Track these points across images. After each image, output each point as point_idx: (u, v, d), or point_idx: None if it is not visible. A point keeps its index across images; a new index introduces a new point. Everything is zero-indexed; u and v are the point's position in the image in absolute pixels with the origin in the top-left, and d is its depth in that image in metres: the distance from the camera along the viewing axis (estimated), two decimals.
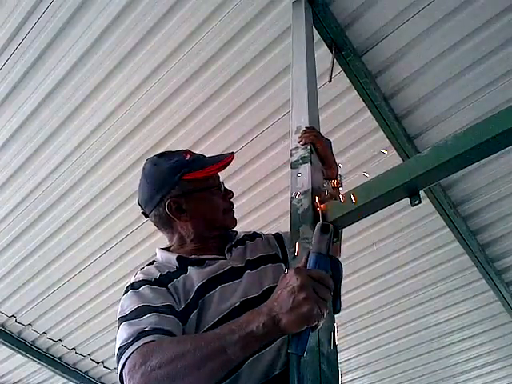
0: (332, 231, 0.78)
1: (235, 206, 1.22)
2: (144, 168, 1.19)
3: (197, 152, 1.22)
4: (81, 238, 3.00)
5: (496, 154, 0.89)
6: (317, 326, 0.73)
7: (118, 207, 2.82)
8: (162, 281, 0.98)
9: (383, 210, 0.98)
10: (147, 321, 0.86)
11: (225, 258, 1.09)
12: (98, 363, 3.87)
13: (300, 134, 1.23)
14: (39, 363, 3.75)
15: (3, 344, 3.56)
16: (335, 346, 0.81)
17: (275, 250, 1.19)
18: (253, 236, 1.23)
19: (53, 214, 2.89)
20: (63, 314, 3.46)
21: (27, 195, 2.80)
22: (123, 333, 0.87)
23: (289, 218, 1.05)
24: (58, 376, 3.91)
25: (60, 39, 2.19)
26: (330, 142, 1.26)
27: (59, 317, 3.49)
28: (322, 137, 1.25)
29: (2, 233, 3.00)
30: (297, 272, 0.75)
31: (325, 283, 0.74)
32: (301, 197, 1.05)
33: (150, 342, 0.82)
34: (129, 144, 2.56)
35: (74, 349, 3.76)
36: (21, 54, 2.23)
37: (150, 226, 2.60)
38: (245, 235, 1.22)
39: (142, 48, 2.23)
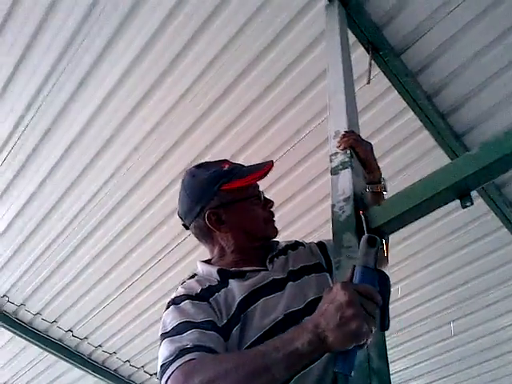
0: (379, 244, 0.74)
1: (276, 215, 1.20)
2: (183, 180, 1.18)
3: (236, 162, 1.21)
4: (131, 251, 3.05)
5: None
6: (365, 344, 0.69)
7: (165, 219, 2.86)
8: (203, 295, 0.96)
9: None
10: (189, 337, 0.85)
11: (266, 270, 1.06)
12: (151, 375, 3.94)
13: (339, 139, 1.19)
14: (96, 376, 3.84)
15: (62, 359, 3.67)
16: (386, 360, 0.76)
17: (318, 259, 1.16)
18: (295, 245, 1.19)
19: (102, 230, 2.96)
20: (117, 326, 3.54)
21: (79, 210, 2.88)
22: (165, 350, 0.86)
23: (331, 227, 1.01)
24: None
25: (109, 49, 2.22)
26: (371, 145, 1.21)
27: (113, 330, 3.57)
28: (363, 140, 1.20)
29: (54, 253, 3.11)
30: (343, 287, 0.71)
31: (373, 299, 0.70)
32: (343, 204, 1.01)
33: (192, 359, 0.80)
34: (172, 157, 2.58)
35: (128, 361, 3.83)
36: (77, 60, 2.26)
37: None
38: (287, 245, 1.19)
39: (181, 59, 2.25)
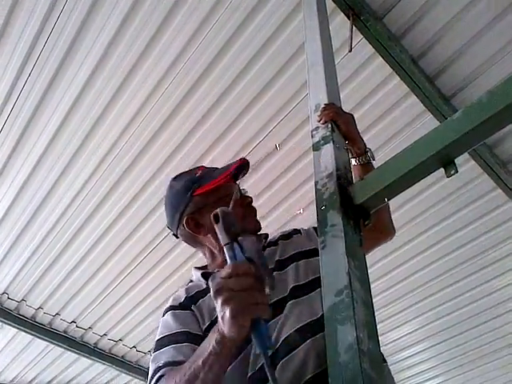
0: (221, 215, 0.71)
1: (262, 199, 1.18)
2: (165, 194, 1.24)
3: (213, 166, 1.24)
4: (128, 237, 3.01)
5: None
6: (263, 314, 0.67)
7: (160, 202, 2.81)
8: (186, 304, 1.04)
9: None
10: (164, 355, 0.94)
11: None
12: None
13: (319, 113, 1.14)
14: (104, 364, 3.88)
15: (68, 350, 3.70)
16: (377, 340, 0.74)
17: (316, 244, 1.14)
18: (290, 234, 1.20)
19: (97, 219, 2.93)
20: (120, 314, 3.55)
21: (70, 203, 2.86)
22: (150, 369, 0.95)
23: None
24: (123, 374, 4.03)
25: (75, 48, 2.20)
26: (353, 116, 1.17)
27: (117, 317, 3.58)
28: (344, 112, 1.16)
29: (50, 246, 3.09)
30: (210, 281, 0.70)
31: (236, 275, 0.68)
32: (325, 180, 0.98)
33: (162, 376, 0.89)
34: (155, 146, 2.55)
35: (134, 347, 3.86)
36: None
37: None
38: (281, 235, 1.21)
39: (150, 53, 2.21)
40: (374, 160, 1.21)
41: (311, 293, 1.01)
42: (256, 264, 0.68)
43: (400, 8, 2.04)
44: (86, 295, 3.40)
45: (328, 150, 1.04)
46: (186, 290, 1.09)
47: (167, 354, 0.94)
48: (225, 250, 0.72)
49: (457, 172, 0.82)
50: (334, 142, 1.05)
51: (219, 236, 0.73)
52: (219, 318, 0.70)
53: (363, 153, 1.19)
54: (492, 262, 3.03)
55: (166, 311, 1.04)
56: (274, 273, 1.04)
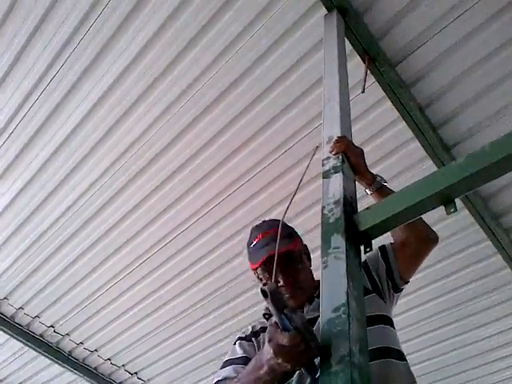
0: (270, 291, 0.82)
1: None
2: None
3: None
4: (117, 250, 3.05)
5: None
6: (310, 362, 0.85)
7: (155, 218, 2.88)
8: (250, 336, 1.33)
9: None
10: (224, 372, 1.24)
11: (302, 311, 1.26)
12: (131, 374, 3.87)
13: (332, 144, 1.23)
14: (75, 373, 3.77)
15: (42, 354, 3.62)
16: (367, 355, 0.79)
17: (363, 282, 1.24)
18: None
19: (88, 229, 2.97)
20: (99, 324, 3.50)
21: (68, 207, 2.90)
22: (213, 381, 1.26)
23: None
24: None
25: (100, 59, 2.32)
26: (362, 151, 1.26)
27: (96, 327, 3.54)
28: (354, 146, 1.24)
29: (39, 250, 3.12)
30: (268, 342, 0.86)
31: (293, 344, 0.81)
32: (332, 206, 1.05)
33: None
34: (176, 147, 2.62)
35: (109, 359, 3.77)
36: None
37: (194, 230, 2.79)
38: None
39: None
40: (385, 182, 1.33)
41: None
42: (303, 332, 0.82)
43: (413, 58, 2.15)
44: (68, 302, 3.37)
45: (337, 179, 1.12)
46: (253, 326, 1.37)
47: (227, 371, 1.24)
48: (275, 317, 0.85)
49: (456, 210, 0.90)
50: (343, 172, 1.13)
51: (269, 307, 0.85)
52: (273, 364, 0.86)
53: (373, 181, 1.29)
54: (478, 311, 3.07)
55: (236, 340, 1.34)
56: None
